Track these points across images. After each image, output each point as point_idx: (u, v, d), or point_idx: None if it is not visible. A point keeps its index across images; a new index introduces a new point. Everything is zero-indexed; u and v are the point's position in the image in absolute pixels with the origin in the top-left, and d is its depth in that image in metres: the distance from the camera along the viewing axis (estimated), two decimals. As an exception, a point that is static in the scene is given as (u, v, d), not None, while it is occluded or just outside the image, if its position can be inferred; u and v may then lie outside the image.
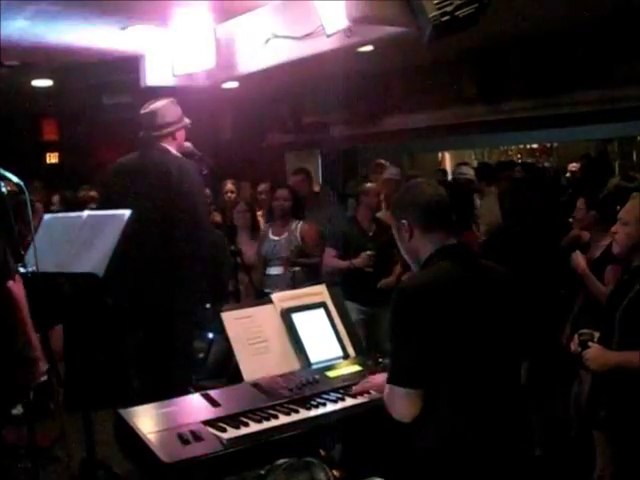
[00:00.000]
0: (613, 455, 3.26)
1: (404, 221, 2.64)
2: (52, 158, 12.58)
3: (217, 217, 7.27)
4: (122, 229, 3.69)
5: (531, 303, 3.36)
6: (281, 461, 1.68)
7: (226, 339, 3.18)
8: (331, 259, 5.91)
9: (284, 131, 10.50)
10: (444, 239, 2.61)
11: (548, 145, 13.93)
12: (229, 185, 7.70)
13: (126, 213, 3.78)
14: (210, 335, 5.53)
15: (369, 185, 6.07)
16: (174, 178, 4.19)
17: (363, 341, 3.96)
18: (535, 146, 14.01)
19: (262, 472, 1.64)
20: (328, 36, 4.77)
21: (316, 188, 8.53)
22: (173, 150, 4.38)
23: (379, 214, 6.21)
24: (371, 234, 5.96)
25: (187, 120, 4.49)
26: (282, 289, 5.76)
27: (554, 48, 6.97)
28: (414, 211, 2.63)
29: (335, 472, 2.07)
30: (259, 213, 7.43)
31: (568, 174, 9.32)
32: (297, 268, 6.02)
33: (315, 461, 1.64)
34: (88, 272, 3.60)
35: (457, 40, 4.82)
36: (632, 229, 3.30)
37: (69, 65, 7.13)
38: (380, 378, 2.92)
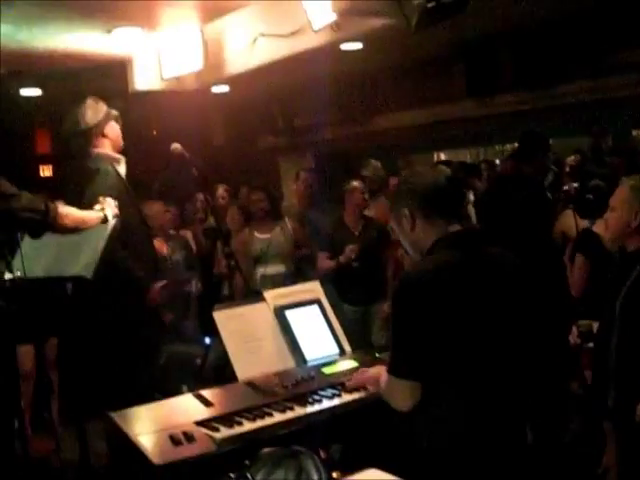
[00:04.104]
0: (620, 445, 3.19)
1: (405, 210, 2.54)
2: (46, 171, 12.49)
3: (211, 220, 7.29)
4: (110, 231, 3.63)
5: (541, 290, 3.28)
6: (267, 450, 1.61)
7: (220, 341, 3.12)
8: (322, 261, 5.91)
9: (276, 134, 10.47)
10: (447, 226, 2.51)
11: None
12: (220, 190, 7.70)
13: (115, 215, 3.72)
14: (207, 341, 5.46)
15: (354, 183, 6.00)
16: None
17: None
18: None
19: (247, 462, 1.57)
20: (315, 32, 4.72)
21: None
22: (107, 150, 4.27)
23: (367, 212, 6.16)
24: (357, 233, 5.93)
25: (114, 112, 4.35)
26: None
27: (542, 39, 6.93)
28: (415, 198, 2.52)
29: (335, 474, 2.00)
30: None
31: (567, 168, 9.25)
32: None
33: (303, 450, 1.57)
34: (77, 275, 3.53)
35: (445, 34, 4.79)
36: (620, 214, 3.28)
37: (56, 72, 7.08)
38: (374, 370, 2.87)
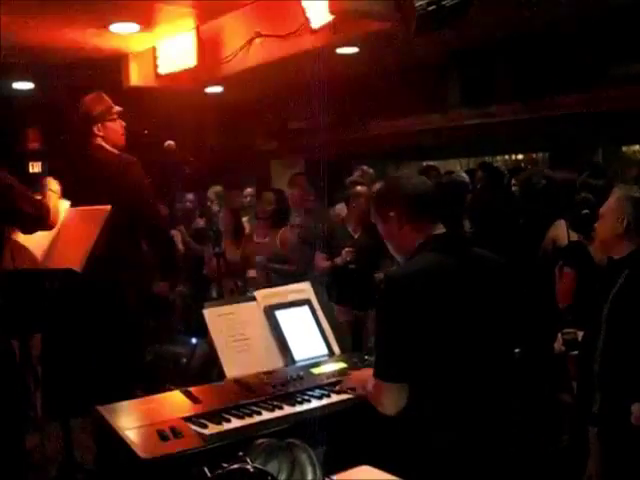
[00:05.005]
0: (603, 451, 3.20)
1: (392, 213, 2.57)
2: (35, 167, 12.37)
3: (201, 222, 7.27)
4: (102, 224, 3.61)
5: (524, 292, 3.31)
6: (260, 441, 1.60)
7: (209, 343, 3.10)
8: (320, 262, 5.90)
9: (269, 137, 10.46)
10: (433, 229, 2.55)
11: (534, 155, 13.86)
12: (209, 193, 7.69)
13: (106, 208, 3.69)
14: (193, 340, 5.44)
15: (359, 188, 6.00)
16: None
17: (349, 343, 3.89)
18: (520, 157, 13.95)
19: (241, 453, 1.56)
20: (313, 31, 4.71)
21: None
22: (104, 144, 4.25)
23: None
24: (356, 236, 5.92)
25: (117, 108, 4.33)
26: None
27: (539, 50, 6.95)
28: (403, 201, 2.56)
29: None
30: (245, 219, 7.38)
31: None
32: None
33: (297, 442, 1.56)
34: (66, 268, 3.50)
35: (442, 41, 4.78)
36: (607, 221, 3.36)
37: (49, 66, 7.04)
38: (362, 373, 2.86)
